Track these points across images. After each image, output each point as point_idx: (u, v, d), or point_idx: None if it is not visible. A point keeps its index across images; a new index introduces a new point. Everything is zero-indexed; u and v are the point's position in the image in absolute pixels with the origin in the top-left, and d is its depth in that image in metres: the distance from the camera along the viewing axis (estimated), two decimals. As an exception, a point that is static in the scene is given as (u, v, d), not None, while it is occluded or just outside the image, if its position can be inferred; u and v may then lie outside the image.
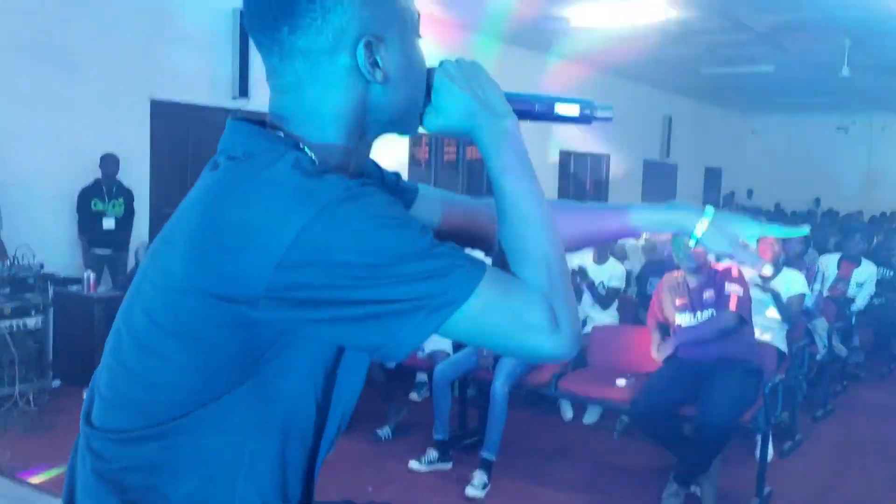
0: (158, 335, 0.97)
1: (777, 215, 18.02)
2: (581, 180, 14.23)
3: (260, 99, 7.80)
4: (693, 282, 4.36)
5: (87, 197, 6.59)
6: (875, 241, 10.60)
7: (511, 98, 1.11)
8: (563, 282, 0.98)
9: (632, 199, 15.48)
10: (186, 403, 0.98)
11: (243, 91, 7.73)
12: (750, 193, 20.57)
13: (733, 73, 13.30)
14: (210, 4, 7.55)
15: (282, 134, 1.02)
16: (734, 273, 4.35)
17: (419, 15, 1.07)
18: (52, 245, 6.20)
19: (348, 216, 0.89)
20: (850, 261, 6.74)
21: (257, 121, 1.05)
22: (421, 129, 1.12)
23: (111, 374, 1.04)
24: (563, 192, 13.19)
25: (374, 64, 1.01)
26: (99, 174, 6.62)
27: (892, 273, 7.21)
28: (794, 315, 5.04)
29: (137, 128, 7.13)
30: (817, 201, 18.82)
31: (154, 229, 7.07)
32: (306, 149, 1.01)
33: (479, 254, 1.20)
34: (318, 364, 1.03)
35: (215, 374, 0.97)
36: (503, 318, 0.93)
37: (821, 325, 5.62)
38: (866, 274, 6.69)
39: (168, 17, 7.21)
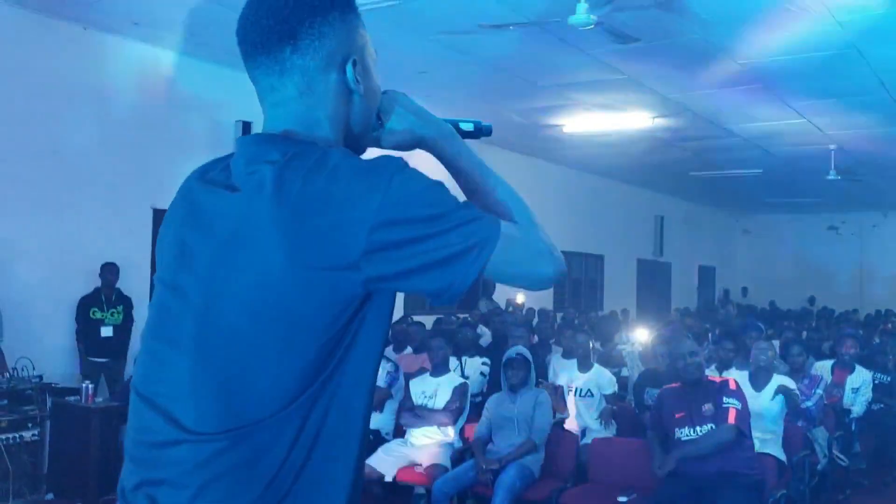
0: (259, 332, 1.10)
1: (772, 313, 18.10)
2: (576, 280, 14.35)
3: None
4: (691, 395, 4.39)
5: (86, 305, 6.64)
6: (875, 340, 10.64)
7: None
8: (541, 225, 1.24)
9: (627, 297, 15.57)
10: (276, 401, 1.10)
11: (244, 199, 7.87)
12: (745, 291, 20.70)
13: (722, 175, 13.60)
14: (212, 114, 7.78)
15: (299, 138, 1.20)
16: (732, 385, 4.38)
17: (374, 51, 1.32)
18: (51, 354, 6.21)
19: (411, 179, 1.12)
20: (843, 367, 6.74)
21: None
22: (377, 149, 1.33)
23: (198, 381, 1.13)
24: (557, 293, 13.28)
25: (357, 80, 1.24)
26: (99, 283, 6.70)
27: (888, 378, 7.20)
28: (794, 406, 5.08)
29: (139, 236, 7.23)
30: (812, 300, 18.89)
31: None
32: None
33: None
34: (370, 372, 1.18)
35: (305, 367, 1.10)
36: (520, 248, 1.17)
37: (821, 435, 5.60)
38: (861, 380, 6.67)
39: (171, 127, 7.44)
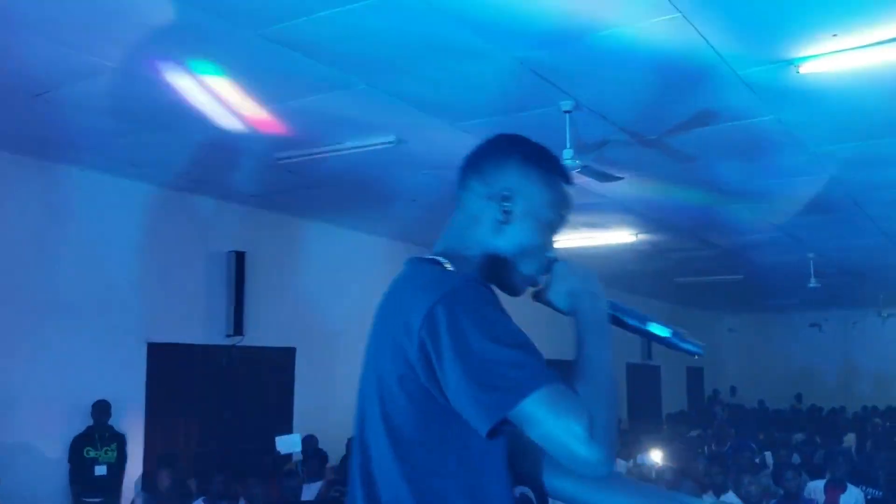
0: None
1: (760, 412, 18.09)
2: (566, 387, 14.29)
3: (252, 335, 8.04)
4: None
5: (79, 445, 6.58)
6: (868, 445, 10.66)
7: (613, 305, 1.45)
8: (610, 422, 1.23)
9: (619, 403, 15.48)
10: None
11: (238, 329, 7.93)
12: (733, 391, 20.69)
13: (705, 281, 13.85)
14: (206, 248, 7.91)
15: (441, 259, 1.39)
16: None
17: (564, 219, 1.50)
18: (46, 499, 6.12)
19: (463, 299, 1.25)
20: (835, 486, 6.75)
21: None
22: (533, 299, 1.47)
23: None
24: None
25: (506, 212, 1.43)
26: (91, 421, 6.66)
27: (880, 493, 7.20)
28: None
29: (133, 371, 7.24)
30: (799, 397, 18.92)
31: (148, 472, 7.01)
32: (442, 260, 1.38)
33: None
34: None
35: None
36: (560, 420, 1.18)
37: (821, 563, 5.58)
38: (853, 499, 6.67)
39: (165, 263, 7.54)
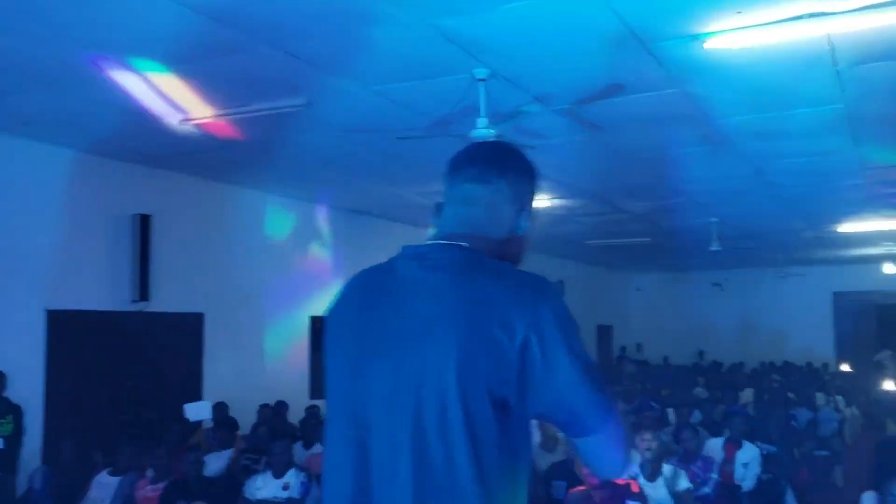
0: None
1: (664, 368, 18.78)
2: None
3: (159, 301, 7.83)
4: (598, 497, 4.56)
5: (-26, 417, 6.32)
6: (765, 397, 11.18)
7: None
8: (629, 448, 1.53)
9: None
10: None
11: (143, 294, 7.71)
12: (639, 347, 21.40)
13: (615, 243, 14.21)
14: (109, 211, 7.62)
15: (465, 244, 1.50)
16: (634, 489, 4.58)
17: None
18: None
19: (563, 302, 1.42)
20: (732, 443, 7.09)
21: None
22: None
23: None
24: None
25: (523, 223, 1.63)
26: (-11, 392, 6.40)
27: (774, 449, 7.59)
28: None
29: (31, 340, 6.95)
30: (701, 354, 19.69)
31: (48, 446, 6.79)
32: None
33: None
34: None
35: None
36: (608, 454, 1.46)
37: (717, 518, 5.86)
38: (749, 455, 7.01)
39: (65, 227, 7.23)
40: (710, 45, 4.69)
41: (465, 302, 1.38)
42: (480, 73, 5.21)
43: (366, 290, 1.54)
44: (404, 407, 1.36)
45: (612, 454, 1.46)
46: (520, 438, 1.39)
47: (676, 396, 11.03)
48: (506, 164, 1.64)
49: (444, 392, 1.33)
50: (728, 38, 4.63)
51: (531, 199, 1.68)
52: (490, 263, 1.46)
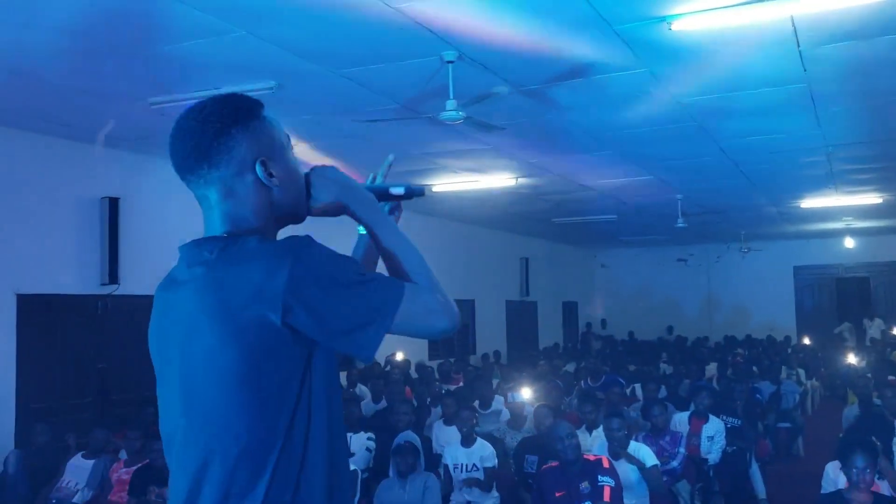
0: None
1: (631, 344, 19.07)
2: (448, 326, 14.58)
3: (128, 284, 7.79)
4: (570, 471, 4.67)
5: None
6: (729, 371, 11.43)
7: (366, 187, 1.66)
8: (438, 282, 1.47)
9: (498, 338, 16.02)
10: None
11: (113, 277, 7.67)
12: (604, 323, 21.65)
13: (581, 221, 14.34)
14: (77, 194, 7.55)
15: (225, 235, 1.45)
16: (605, 464, 4.70)
17: (288, 137, 1.56)
18: None
19: (316, 253, 1.36)
20: (698, 417, 7.26)
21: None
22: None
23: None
24: (431, 340, 13.52)
25: (270, 175, 1.48)
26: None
27: (739, 422, 7.79)
28: (658, 486, 5.41)
29: (2, 324, 6.89)
30: (670, 329, 19.92)
31: (21, 430, 6.76)
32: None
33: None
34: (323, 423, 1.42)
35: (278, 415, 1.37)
36: (419, 310, 1.40)
37: (684, 489, 6.03)
38: (714, 429, 7.19)
39: (34, 211, 7.16)
40: (676, 26, 4.78)
41: (215, 294, 1.37)
42: (449, 55, 5.25)
43: (157, 303, 1.57)
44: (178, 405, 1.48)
45: (432, 320, 1.43)
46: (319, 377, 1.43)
47: (642, 372, 11.23)
48: (198, 147, 1.45)
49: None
50: (693, 19, 4.72)
51: (261, 140, 1.48)
52: (235, 249, 1.40)
